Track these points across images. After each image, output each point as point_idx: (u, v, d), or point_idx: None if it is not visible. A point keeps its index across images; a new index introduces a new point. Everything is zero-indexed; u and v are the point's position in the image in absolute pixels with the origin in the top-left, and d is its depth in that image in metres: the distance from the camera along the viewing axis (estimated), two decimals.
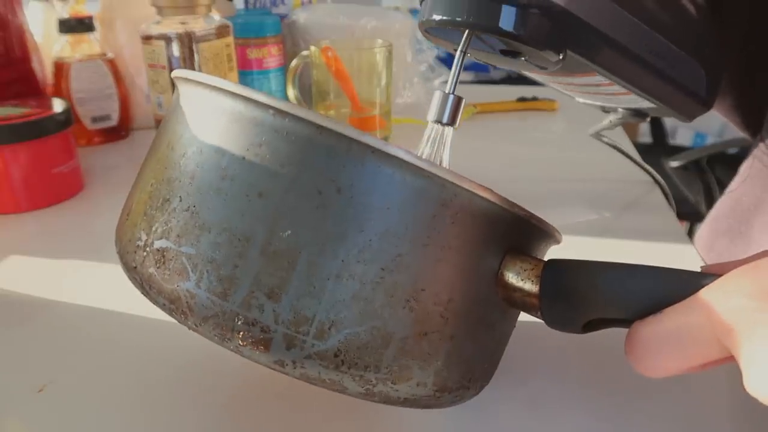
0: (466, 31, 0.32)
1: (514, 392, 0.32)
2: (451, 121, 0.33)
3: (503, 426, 0.30)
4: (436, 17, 0.32)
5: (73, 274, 0.44)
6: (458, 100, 0.33)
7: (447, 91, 0.33)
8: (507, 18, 0.30)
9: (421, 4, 0.34)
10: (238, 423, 0.30)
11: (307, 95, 0.72)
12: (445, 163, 0.34)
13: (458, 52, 0.33)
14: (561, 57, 0.32)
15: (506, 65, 0.39)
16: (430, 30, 0.34)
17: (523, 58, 0.34)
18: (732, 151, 1.75)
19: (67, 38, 0.69)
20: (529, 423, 0.30)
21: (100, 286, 0.41)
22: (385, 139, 0.71)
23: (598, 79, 0.37)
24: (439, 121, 0.33)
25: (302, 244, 0.21)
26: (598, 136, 0.57)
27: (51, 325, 0.38)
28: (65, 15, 0.72)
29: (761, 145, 0.59)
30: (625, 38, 0.34)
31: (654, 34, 0.35)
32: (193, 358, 0.33)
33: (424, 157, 0.34)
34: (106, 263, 0.42)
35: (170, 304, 0.23)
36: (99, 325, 0.38)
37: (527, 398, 0.31)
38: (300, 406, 0.30)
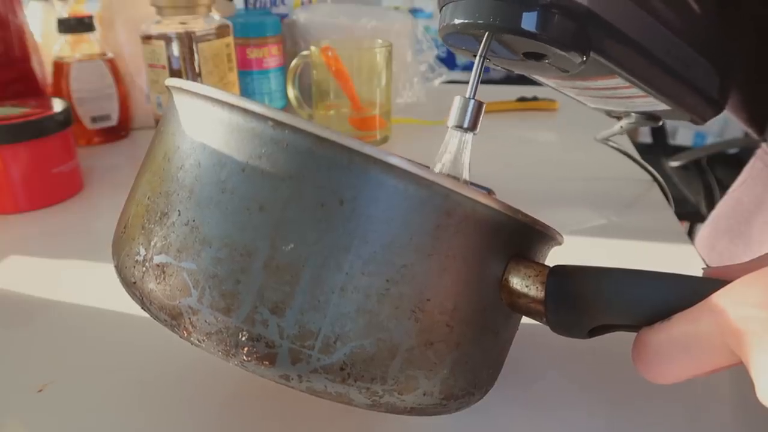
0: (486, 34, 0.31)
1: (516, 393, 0.32)
2: (472, 126, 0.32)
3: (505, 426, 0.30)
4: (458, 21, 0.31)
5: (73, 274, 0.44)
6: (479, 105, 0.32)
7: (467, 96, 0.32)
8: (529, 19, 0.30)
9: (440, 10, 0.33)
10: (239, 422, 0.30)
11: (307, 95, 0.72)
12: (466, 170, 0.33)
13: (478, 57, 0.32)
14: (584, 59, 0.32)
15: (527, 71, 0.38)
16: (450, 37, 0.33)
17: (546, 61, 0.33)
18: (732, 151, 1.75)
19: (67, 38, 0.69)
20: (531, 423, 0.30)
21: (100, 286, 0.41)
22: (385, 139, 0.71)
23: (616, 82, 0.36)
24: (459, 126, 0.32)
25: (305, 258, 0.21)
26: (605, 141, 0.56)
27: (51, 325, 0.38)
28: (65, 15, 0.72)
29: (763, 145, 0.59)
30: (644, 39, 0.33)
31: (670, 35, 0.35)
32: (192, 357, 0.33)
33: (444, 165, 0.33)
34: (106, 263, 0.41)
35: (172, 320, 0.23)
36: (99, 325, 0.38)
37: (529, 399, 0.31)
38: (300, 405, 0.30)
